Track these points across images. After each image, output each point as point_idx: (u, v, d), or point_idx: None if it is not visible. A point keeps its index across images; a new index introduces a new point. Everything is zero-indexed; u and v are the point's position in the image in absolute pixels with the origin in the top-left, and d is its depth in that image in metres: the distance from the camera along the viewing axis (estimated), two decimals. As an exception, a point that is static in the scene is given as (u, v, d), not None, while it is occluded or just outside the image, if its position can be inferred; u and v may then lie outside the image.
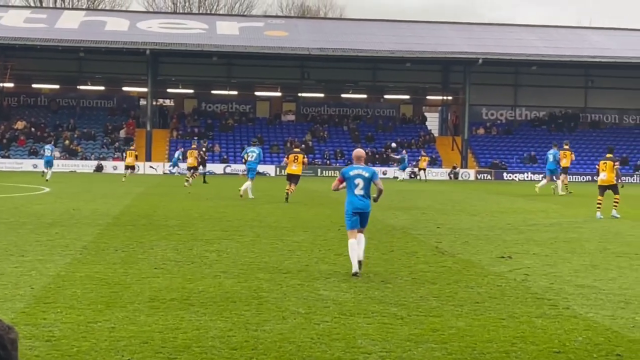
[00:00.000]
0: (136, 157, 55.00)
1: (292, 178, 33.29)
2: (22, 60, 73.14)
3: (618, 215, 26.83)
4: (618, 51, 73.78)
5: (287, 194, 32.35)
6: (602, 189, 27.28)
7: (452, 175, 70.06)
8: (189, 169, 46.70)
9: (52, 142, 58.16)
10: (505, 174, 71.94)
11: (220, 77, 79.76)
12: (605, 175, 27.19)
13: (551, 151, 44.12)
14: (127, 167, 51.76)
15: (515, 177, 71.69)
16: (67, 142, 71.78)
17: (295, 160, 33.24)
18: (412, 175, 66.50)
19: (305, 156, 36.16)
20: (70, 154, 70.63)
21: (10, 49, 70.93)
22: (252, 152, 35.77)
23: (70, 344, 8.62)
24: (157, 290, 11.74)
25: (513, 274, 14.05)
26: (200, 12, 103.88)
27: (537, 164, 74.49)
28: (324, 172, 68.73)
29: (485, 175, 65.33)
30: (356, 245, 13.90)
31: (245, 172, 36.19)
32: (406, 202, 33.27)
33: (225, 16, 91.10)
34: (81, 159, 70.17)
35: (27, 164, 66.74)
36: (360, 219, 14.24)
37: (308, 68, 78.63)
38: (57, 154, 59.21)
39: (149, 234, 19.19)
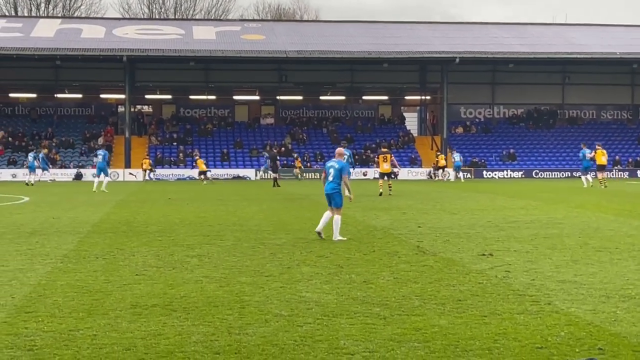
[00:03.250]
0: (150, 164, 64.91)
1: (386, 175, 39.33)
2: (-2, 70, 72.78)
3: None
4: (594, 47, 74.15)
5: (386, 189, 38.43)
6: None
7: (432, 175, 70.19)
8: (200, 173, 58.02)
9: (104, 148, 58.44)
10: (485, 172, 72.18)
11: (198, 82, 79.65)
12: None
13: (586, 150, 49.35)
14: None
15: (495, 174, 71.94)
16: (45, 150, 71.47)
17: (385, 160, 39.13)
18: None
19: (392, 155, 41.81)
20: (49, 162, 70.31)
21: (-14, 59, 70.55)
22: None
23: (53, 353, 8.58)
24: (139, 297, 11.70)
25: (494, 271, 14.09)
26: (177, 17, 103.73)
27: (516, 162, 74.79)
28: (304, 174, 68.73)
29: (465, 173, 65.44)
30: (329, 218, 19.16)
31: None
32: (387, 202, 33.31)
33: (201, 21, 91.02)
34: (60, 168, 69.86)
35: (5, 174, 66.41)
36: (329, 199, 19.36)
37: (286, 71, 78.61)
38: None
39: (129, 240, 19.13)
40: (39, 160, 58.05)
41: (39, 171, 58.10)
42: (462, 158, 63.77)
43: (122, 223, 23.78)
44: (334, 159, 19.85)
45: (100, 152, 47.37)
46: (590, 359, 2.51)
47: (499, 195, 39.09)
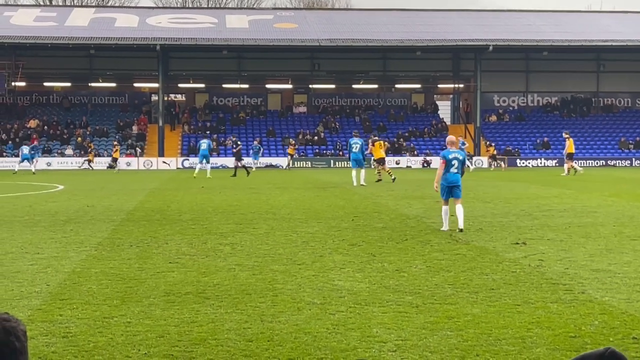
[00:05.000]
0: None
1: (381, 161, 40.43)
2: (33, 59, 73.24)
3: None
4: (629, 35, 73.41)
5: (386, 176, 39.61)
6: None
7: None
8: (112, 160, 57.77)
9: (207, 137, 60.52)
10: (518, 161, 71.77)
11: (230, 70, 79.75)
12: None
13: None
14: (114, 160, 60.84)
15: (529, 163, 71.51)
16: (79, 139, 71.99)
17: (381, 147, 40.29)
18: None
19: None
20: (83, 151, 70.81)
21: (21, 48, 71.03)
22: (356, 144, 37.90)
23: (87, 340, 8.65)
24: (172, 285, 11.76)
25: (528, 260, 14.03)
26: (210, 6, 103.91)
27: (549, 150, 74.29)
28: (337, 163, 68.71)
29: (499, 162, 65.04)
30: (448, 211, 18.51)
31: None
32: (420, 190, 33.23)
33: (234, 10, 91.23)
34: (94, 156, 70.24)
35: (40, 162, 66.93)
36: (451, 190, 18.53)
37: (318, 59, 78.51)
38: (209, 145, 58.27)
39: (163, 228, 19.23)
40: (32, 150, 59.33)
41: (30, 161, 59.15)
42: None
43: (155, 211, 23.91)
44: (452, 149, 19.04)
45: (205, 140, 49.71)
46: (608, 348, 2.46)
47: (533, 183, 38.87)
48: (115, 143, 65.42)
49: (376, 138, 43.41)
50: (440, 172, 18.77)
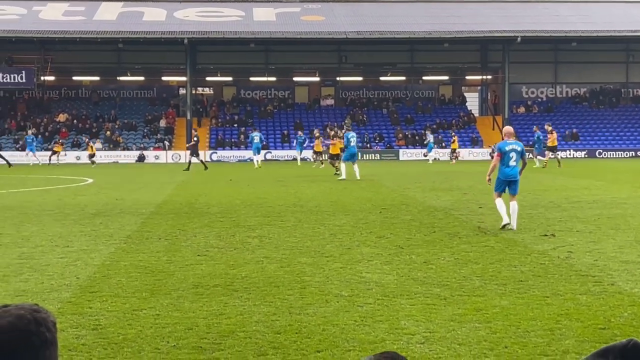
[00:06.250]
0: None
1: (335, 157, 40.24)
2: (62, 53, 73.71)
3: None
4: (659, 24, 72.77)
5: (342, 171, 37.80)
6: None
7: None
8: (314, 152, 55.71)
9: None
10: (547, 152, 71.23)
11: (258, 63, 79.81)
12: None
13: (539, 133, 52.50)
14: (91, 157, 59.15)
15: (558, 155, 70.98)
16: (108, 133, 72.37)
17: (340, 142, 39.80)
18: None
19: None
20: (112, 145, 71.23)
21: (50, 43, 71.51)
22: (353, 137, 37.99)
23: (117, 332, 8.71)
24: (201, 277, 11.81)
25: (556, 252, 13.97)
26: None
27: (578, 141, 73.84)
28: (365, 155, 68.63)
29: (527, 154, 64.70)
30: (503, 203, 17.26)
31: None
32: (447, 182, 33.15)
33: (261, 2, 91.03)
34: (123, 150, 70.67)
35: (70, 156, 67.36)
36: (509, 185, 17.48)
37: (346, 52, 78.44)
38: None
39: (191, 221, 19.31)
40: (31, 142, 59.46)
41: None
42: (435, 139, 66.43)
43: (184, 204, 24.00)
44: (509, 140, 17.73)
45: (257, 133, 51.83)
46: (631, 339, 2.45)
47: (562, 175, 38.67)
48: (87, 140, 65.81)
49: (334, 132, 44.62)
50: (494, 164, 17.70)
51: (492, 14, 75.97)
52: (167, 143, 71.83)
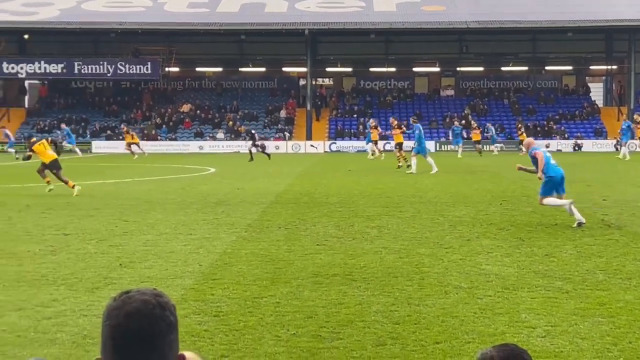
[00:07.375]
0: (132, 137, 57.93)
1: None
2: (186, 45, 75.12)
3: None
4: None
5: None
6: None
7: (618, 147, 67.91)
8: (372, 143, 54.94)
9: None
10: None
11: (378, 54, 79.70)
12: None
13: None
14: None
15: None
16: (230, 123, 73.43)
17: None
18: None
19: None
20: (234, 135, 72.25)
21: (175, 35, 73.01)
22: (420, 130, 37.22)
23: (238, 319, 8.86)
24: (320, 266, 11.90)
25: (684, 247, 13.58)
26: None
27: None
28: (485, 147, 67.81)
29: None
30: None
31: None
32: (570, 175, 32.48)
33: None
34: (244, 140, 71.54)
35: (193, 146, 68.64)
36: (559, 186, 17.13)
37: (466, 42, 77.60)
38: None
39: (310, 211, 19.45)
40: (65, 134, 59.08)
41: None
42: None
43: (303, 194, 24.19)
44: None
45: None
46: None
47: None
48: (124, 128, 62.40)
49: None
50: (541, 165, 16.84)
51: (617, 2, 73.97)
52: (287, 134, 72.46)
